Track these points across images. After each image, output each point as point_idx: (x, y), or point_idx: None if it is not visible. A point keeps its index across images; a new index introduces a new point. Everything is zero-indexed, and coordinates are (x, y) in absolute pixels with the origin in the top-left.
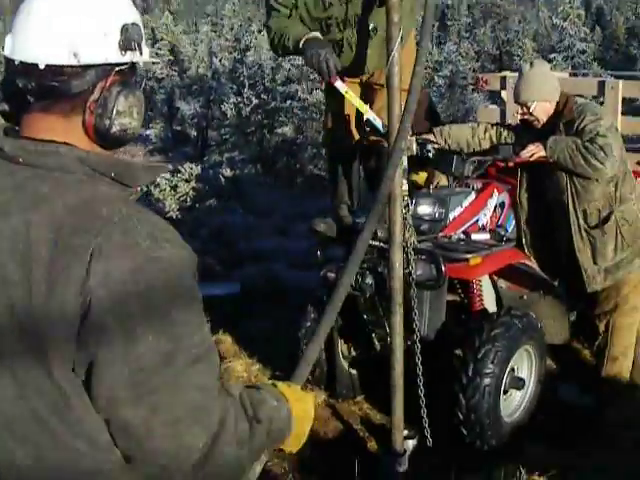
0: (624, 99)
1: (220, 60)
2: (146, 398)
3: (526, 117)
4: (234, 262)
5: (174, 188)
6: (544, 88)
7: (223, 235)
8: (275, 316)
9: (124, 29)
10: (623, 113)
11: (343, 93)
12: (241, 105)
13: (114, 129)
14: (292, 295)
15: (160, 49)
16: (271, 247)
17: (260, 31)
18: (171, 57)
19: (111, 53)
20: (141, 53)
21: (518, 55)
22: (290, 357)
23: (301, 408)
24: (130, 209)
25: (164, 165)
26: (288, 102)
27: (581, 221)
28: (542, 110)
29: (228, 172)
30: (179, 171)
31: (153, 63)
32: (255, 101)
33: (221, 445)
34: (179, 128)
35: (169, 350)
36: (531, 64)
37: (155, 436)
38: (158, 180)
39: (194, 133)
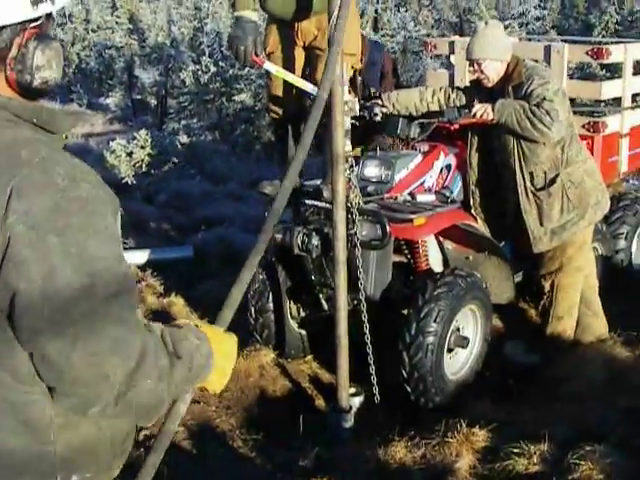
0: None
1: (179, 29)
2: (65, 330)
3: (477, 75)
4: (190, 228)
5: (129, 154)
6: (497, 47)
7: (180, 201)
8: (227, 278)
9: None
10: (572, 77)
11: (274, 73)
12: (200, 73)
13: (35, 83)
14: (245, 258)
15: (119, 17)
16: (227, 213)
17: (221, 2)
18: (130, 26)
19: (23, 10)
20: (53, 2)
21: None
22: (239, 317)
23: (222, 348)
24: (50, 152)
25: (87, 112)
26: (246, 70)
27: (528, 183)
28: (493, 69)
29: (185, 139)
30: (135, 138)
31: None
32: (213, 69)
33: (141, 377)
34: (139, 97)
35: (88, 284)
36: (486, 23)
37: (75, 367)
38: (113, 146)
39: (154, 102)
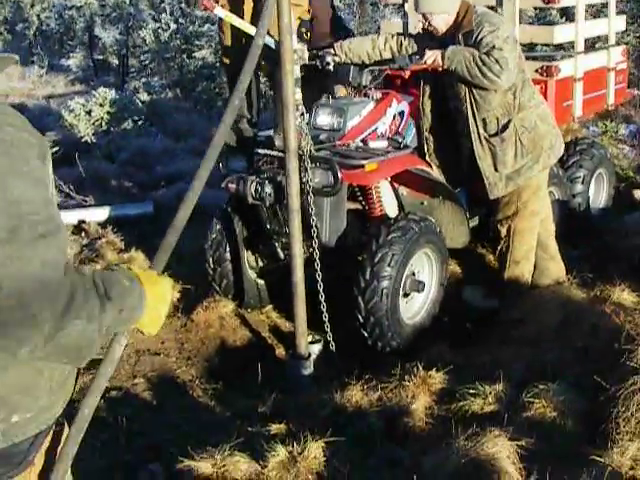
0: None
1: None
2: None
3: (426, 27)
4: (151, 184)
5: (88, 113)
6: (442, 1)
7: (140, 159)
8: (186, 233)
9: None
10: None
11: (224, 18)
12: (160, 31)
13: None
14: (202, 213)
15: None
16: (188, 169)
17: None
18: None
19: None
20: None
21: None
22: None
23: (156, 290)
24: None
25: (11, 55)
26: (206, 26)
27: (481, 130)
28: (441, 21)
29: (146, 97)
30: (94, 95)
31: None
32: (174, 26)
33: (70, 319)
34: (100, 57)
35: (13, 226)
36: None
37: (1, 308)
38: (72, 105)
39: (115, 61)
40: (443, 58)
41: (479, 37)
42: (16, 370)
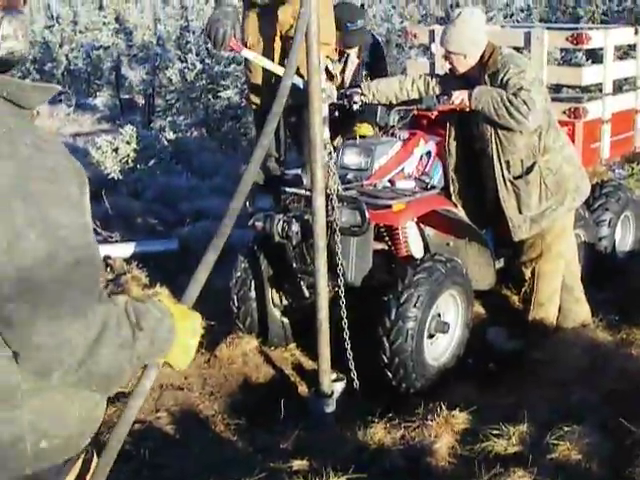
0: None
1: (165, 27)
2: (28, 294)
3: (446, 63)
4: (176, 222)
5: (115, 150)
6: (461, 41)
7: (166, 196)
8: (212, 269)
9: None
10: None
11: (252, 60)
12: (186, 70)
13: (1, 52)
14: (229, 250)
15: (106, 17)
16: (213, 207)
17: (207, 1)
18: (117, 25)
19: None
20: None
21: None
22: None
23: (186, 324)
24: (18, 123)
25: (55, 86)
26: (232, 67)
27: (505, 172)
28: (457, 60)
29: (171, 135)
30: (120, 133)
31: None
32: (200, 66)
33: (102, 346)
34: (127, 96)
35: (52, 250)
36: (458, 14)
37: (36, 331)
38: (99, 142)
39: (141, 100)
40: (470, 98)
41: (505, 78)
42: (47, 396)
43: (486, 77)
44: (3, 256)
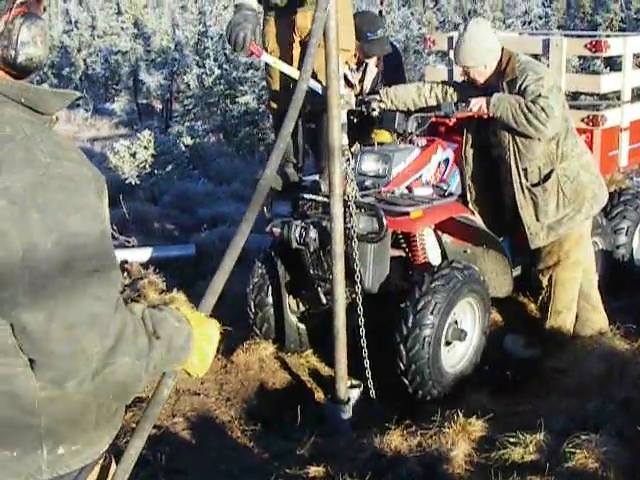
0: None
1: (184, 32)
2: (44, 303)
3: (466, 77)
4: (193, 227)
5: (133, 155)
6: (476, 53)
7: (183, 201)
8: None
9: None
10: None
11: (272, 64)
12: (204, 76)
13: (20, 58)
14: (246, 256)
15: (124, 22)
16: (230, 212)
17: (226, 7)
18: (135, 31)
19: None
20: None
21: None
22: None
23: (203, 332)
24: (35, 129)
25: (74, 92)
26: (250, 72)
27: (523, 179)
28: (477, 73)
29: (189, 141)
30: (138, 138)
31: None
32: (217, 72)
33: (118, 355)
34: (145, 101)
35: (67, 258)
36: (465, 27)
37: (52, 339)
38: (117, 147)
39: (159, 105)
40: (488, 105)
41: (524, 85)
42: (64, 402)
43: (504, 84)
44: (19, 264)
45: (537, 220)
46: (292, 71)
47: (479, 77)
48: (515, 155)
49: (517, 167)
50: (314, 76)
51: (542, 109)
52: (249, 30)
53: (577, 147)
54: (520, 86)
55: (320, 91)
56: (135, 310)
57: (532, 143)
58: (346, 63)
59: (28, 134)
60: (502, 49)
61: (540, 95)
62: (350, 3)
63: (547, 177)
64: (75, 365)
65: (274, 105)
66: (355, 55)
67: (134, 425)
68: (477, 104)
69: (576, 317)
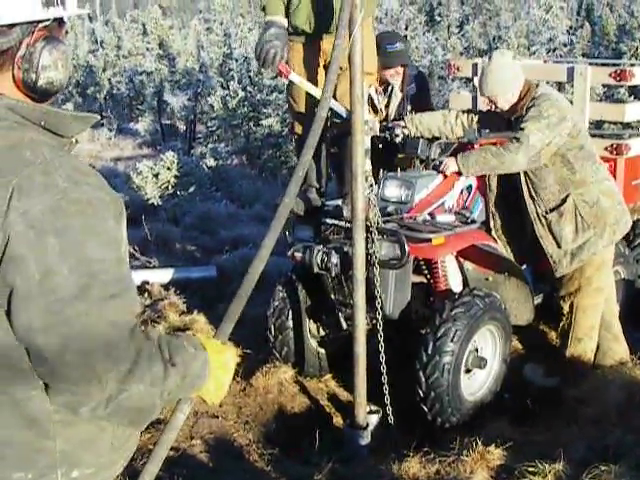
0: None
1: (209, 54)
2: (59, 328)
3: (491, 107)
4: (214, 249)
5: (156, 176)
6: (505, 82)
7: (205, 223)
8: (249, 298)
9: None
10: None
11: (299, 84)
12: (228, 98)
13: (41, 82)
14: (267, 279)
15: (149, 43)
16: (252, 235)
17: (251, 29)
18: (160, 51)
19: (34, 11)
20: (65, 8)
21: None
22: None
23: (219, 359)
24: (54, 154)
25: (94, 115)
26: (274, 95)
27: (537, 207)
28: (504, 101)
29: (212, 162)
30: (161, 159)
31: (79, 17)
32: (242, 94)
33: (133, 382)
34: (168, 122)
35: (84, 284)
36: (490, 58)
37: (67, 364)
38: (140, 167)
39: (183, 127)
40: (457, 165)
41: (524, 119)
42: (80, 426)
43: (524, 110)
44: (35, 289)
45: (559, 247)
46: (318, 92)
47: (505, 104)
48: (527, 184)
49: (531, 196)
50: (340, 101)
51: (516, 139)
52: (279, 48)
53: (597, 173)
54: (523, 118)
55: (345, 115)
56: (151, 336)
57: (542, 172)
58: (370, 86)
59: (47, 158)
60: (524, 79)
61: (523, 129)
62: (372, 27)
63: (562, 202)
64: (89, 390)
65: (298, 129)
66: (378, 79)
67: (151, 446)
68: (448, 166)
69: (597, 347)
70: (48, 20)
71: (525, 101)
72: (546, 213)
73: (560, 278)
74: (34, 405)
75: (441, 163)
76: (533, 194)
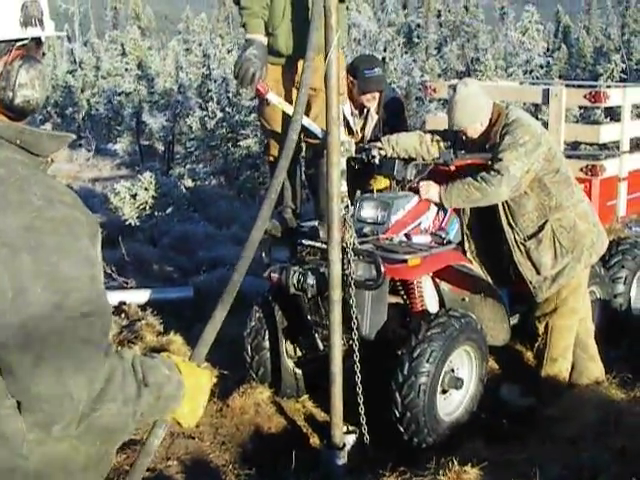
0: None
1: (187, 75)
2: (32, 345)
3: (463, 136)
4: (192, 269)
5: (133, 197)
6: (468, 114)
7: (182, 243)
8: (226, 319)
9: (24, 6)
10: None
11: (277, 104)
12: (206, 119)
13: (17, 100)
14: (244, 299)
15: (128, 63)
16: (229, 255)
17: (229, 51)
18: (139, 72)
19: (12, 30)
20: (43, 28)
21: (481, 71)
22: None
23: (194, 381)
24: (29, 172)
25: (69, 134)
26: (252, 116)
27: (516, 235)
28: (472, 131)
29: (190, 183)
30: (139, 180)
31: (58, 37)
32: (220, 115)
33: (106, 401)
34: (147, 142)
35: (57, 303)
36: (454, 90)
37: (39, 382)
38: (118, 188)
39: (161, 147)
40: (440, 197)
41: (499, 147)
42: (53, 445)
43: (498, 135)
44: (8, 306)
45: (538, 274)
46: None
47: (475, 134)
48: (506, 212)
49: (509, 224)
50: (314, 122)
51: (496, 171)
52: (258, 67)
53: (573, 197)
54: (498, 146)
55: (320, 134)
56: (125, 356)
57: (522, 199)
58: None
59: (22, 176)
60: (493, 104)
61: (501, 160)
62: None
63: (540, 229)
64: (60, 410)
65: (274, 150)
66: (355, 102)
67: (127, 467)
68: (430, 194)
69: (573, 366)
70: (26, 39)
71: (497, 127)
72: (524, 240)
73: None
74: (7, 424)
75: (420, 184)
76: (511, 221)
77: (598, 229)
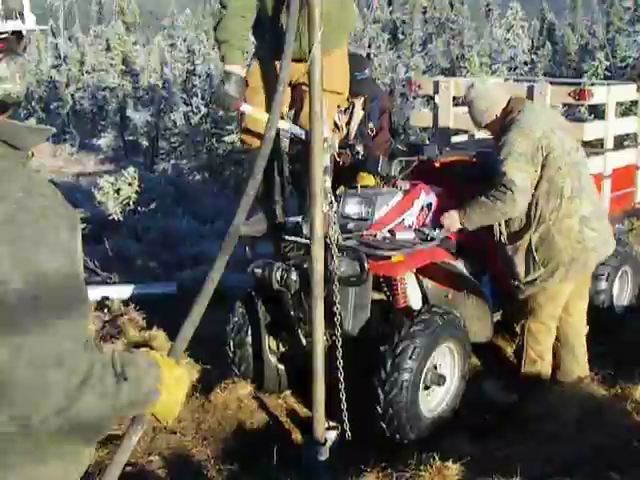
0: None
1: (172, 70)
2: (10, 337)
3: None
4: (176, 265)
5: (117, 192)
6: (488, 110)
7: (166, 239)
8: (208, 314)
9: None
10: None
11: (251, 113)
12: (190, 114)
13: None
14: (228, 295)
15: (113, 59)
16: (213, 251)
17: (214, 47)
18: (123, 67)
19: None
20: (24, 22)
21: (466, 68)
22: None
23: (173, 377)
24: (9, 165)
25: (49, 128)
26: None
27: (501, 236)
28: (494, 124)
29: (174, 178)
30: (123, 175)
31: (41, 31)
32: (204, 110)
33: (85, 394)
34: (131, 137)
35: (36, 294)
36: (468, 90)
37: (17, 375)
38: (102, 183)
39: (145, 142)
40: (460, 222)
41: (498, 159)
42: (30, 438)
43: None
44: None
45: (513, 279)
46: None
47: (496, 125)
48: None
49: (499, 227)
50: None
51: (504, 186)
52: (235, 100)
53: (560, 211)
54: (498, 145)
55: (302, 135)
56: (104, 350)
57: None
58: (338, 106)
59: (2, 168)
60: (510, 99)
61: (505, 173)
62: (346, 49)
63: (519, 238)
64: (39, 402)
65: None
66: (348, 99)
67: (108, 461)
68: (451, 223)
69: (558, 366)
70: (6, 33)
71: (507, 121)
72: (505, 244)
73: (515, 300)
74: None
75: (441, 217)
76: (502, 225)
77: (582, 246)
